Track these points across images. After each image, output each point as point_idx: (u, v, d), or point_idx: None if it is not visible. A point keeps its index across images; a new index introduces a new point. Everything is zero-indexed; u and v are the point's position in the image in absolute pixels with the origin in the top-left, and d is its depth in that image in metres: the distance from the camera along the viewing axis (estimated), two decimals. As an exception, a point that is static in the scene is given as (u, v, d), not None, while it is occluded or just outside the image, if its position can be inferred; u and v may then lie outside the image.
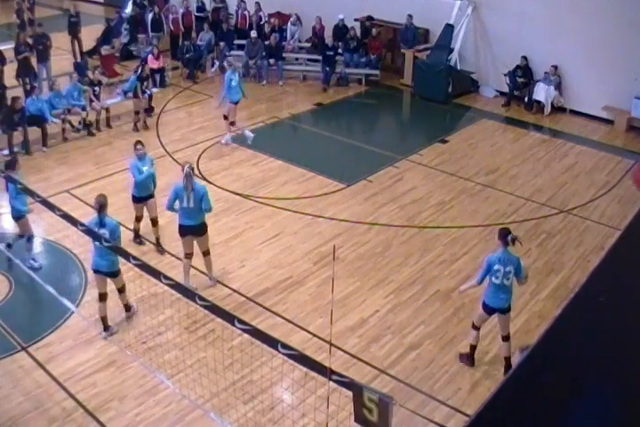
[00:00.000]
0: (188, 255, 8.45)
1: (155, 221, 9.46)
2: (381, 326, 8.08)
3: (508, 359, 7.19)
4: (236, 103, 12.96)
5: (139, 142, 9.26)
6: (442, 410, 6.82)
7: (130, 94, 13.93)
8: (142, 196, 9.23)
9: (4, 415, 6.61)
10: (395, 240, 9.89)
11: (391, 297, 8.61)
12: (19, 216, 8.74)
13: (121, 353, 7.40)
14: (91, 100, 13.46)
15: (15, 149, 12.30)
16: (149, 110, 14.38)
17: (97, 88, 13.60)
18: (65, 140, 13.05)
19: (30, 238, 8.97)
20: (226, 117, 13.12)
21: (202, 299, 5.29)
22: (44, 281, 8.04)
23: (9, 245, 9.03)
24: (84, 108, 13.27)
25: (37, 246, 9.69)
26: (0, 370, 7.22)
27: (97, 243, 7.04)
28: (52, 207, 7.16)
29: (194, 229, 8.27)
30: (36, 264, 8.87)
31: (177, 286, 5.63)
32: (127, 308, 8.08)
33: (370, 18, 16.92)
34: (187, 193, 8.01)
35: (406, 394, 6.97)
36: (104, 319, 7.80)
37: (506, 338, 7.20)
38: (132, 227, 9.95)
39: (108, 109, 13.70)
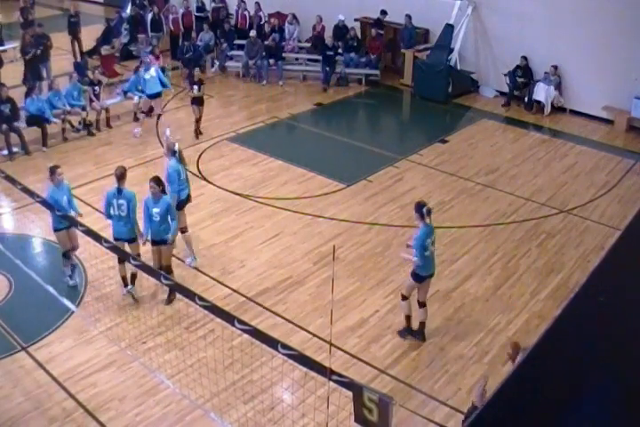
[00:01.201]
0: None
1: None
2: (381, 326, 8.08)
3: (422, 324, 7.81)
4: (154, 96, 13.31)
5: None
6: (442, 410, 6.82)
7: (132, 95, 13.93)
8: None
9: (4, 415, 6.61)
10: (395, 240, 9.89)
11: (391, 297, 8.60)
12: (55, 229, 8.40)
13: (121, 353, 7.40)
14: (91, 100, 13.46)
15: (15, 150, 12.31)
16: (149, 110, 14.37)
17: (97, 88, 13.60)
18: (65, 140, 13.05)
19: (66, 254, 8.59)
20: (143, 112, 13.60)
21: (202, 299, 5.29)
22: (43, 281, 8.03)
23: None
24: (84, 108, 13.27)
25: (37, 246, 9.72)
26: (0, 370, 7.22)
27: (118, 213, 7.99)
28: (51, 208, 7.17)
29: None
30: (71, 282, 8.59)
31: (177, 286, 5.63)
32: (133, 278, 8.37)
33: (378, 21, 16.73)
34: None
35: (406, 394, 6.97)
36: (124, 279, 8.32)
37: (423, 304, 7.77)
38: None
39: (107, 109, 13.70)
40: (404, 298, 7.75)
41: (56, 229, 8.31)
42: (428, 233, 7.39)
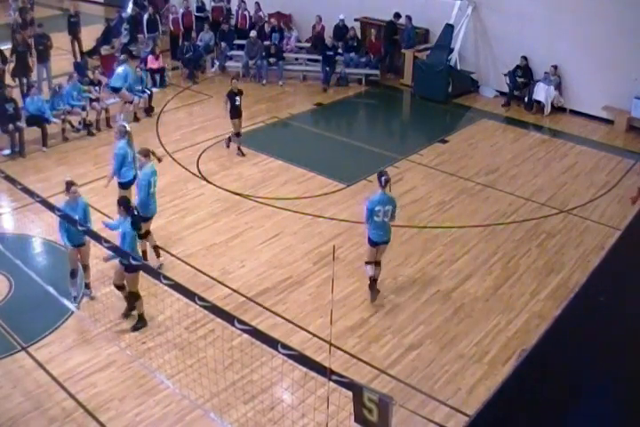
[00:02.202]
0: None
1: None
2: (381, 326, 8.08)
3: (375, 281, 8.45)
4: (115, 90, 13.84)
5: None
6: (442, 410, 6.82)
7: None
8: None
9: (4, 415, 6.61)
10: (395, 240, 9.86)
11: (391, 297, 8.61)
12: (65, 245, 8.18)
13: (121, 353, 7.40)
14: (91, 100, 13.46)
15: (16, 149, 12.32)
16: (149, 110, 14.39)
17: (97, 88, 13.59)
18: (65, 140, 13.05)
19: (73, 273, 8.22)
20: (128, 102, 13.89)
21: (202, 299, 5.28)
22: (43, 281, 8.03)
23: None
24: (84, 108, 13.27)
25: (37, 246, 9.72)
26: (0, 370, 7.22)
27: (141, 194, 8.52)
28: (51, 207, 7.17)
29: None
30: (72, 305, 8.05)
31: (177, 286, 5.62)
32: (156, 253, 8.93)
33: (391, 24, 16.54)
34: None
35: (406, 394, 6.97)
36: (144, 253, 8.87)
37: (377, 263, 8.43)
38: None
39: (107, 109, 13.70)
40: (368, 263, 8.42)
41: (66, 246, 8.06)
42: (379, 201, 8.01)
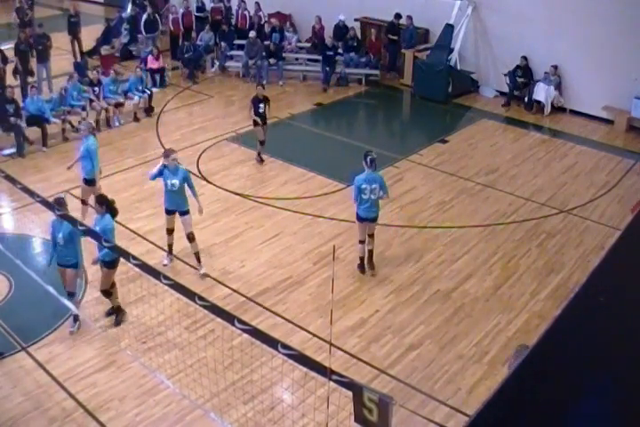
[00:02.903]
0: None
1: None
2: (381, 326, 8.08)
3: (371, 252, 8.98)
4: None
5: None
6: (442, 410, 6.81)
7: (132, 95, 13.96)
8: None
9: (4, 415, 6.61)
10: (395, 240, 9.89)
11: (391, 297, 8.61)
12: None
13: (121, 353, 7.40)
14: (91, 100, 13.45)
15: (13, 150, 12.32)
16: (149, 110, 14.39)
17: (97, 88, 13.60)
18: (65, 141, 13.04)
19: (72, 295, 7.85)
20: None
21: (202, 299, 5.28)
22: (43, 281, 8.03)
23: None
24: (84, 108, 13.27)
25: (37, 246, 9.71)
26: (0, 370, 7.22)
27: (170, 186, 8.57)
28: (51, 207, 7.16)
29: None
30: (70, 329, 7.87)
31: (177, 286, 5.62)
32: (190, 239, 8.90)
33: (392, 25, 16.54)
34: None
35: (406, 394, 6.97)
36: (170, 247, 9.10)
37: (370, 236, 8.89)
38: (130, 226, 9.99)
39: (107, 109, 13.70)
40: (360, 242, 8.91)
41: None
42: (366, 179, 8.55)
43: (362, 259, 9.02)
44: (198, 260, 8.99)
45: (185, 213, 8.82)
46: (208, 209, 10.60)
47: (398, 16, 16.30)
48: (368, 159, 8.56)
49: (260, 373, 6.77)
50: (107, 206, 7.67)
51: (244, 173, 11.89)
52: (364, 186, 8.54)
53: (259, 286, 8.76)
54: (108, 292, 7.93)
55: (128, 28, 17.86)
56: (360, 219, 8.77)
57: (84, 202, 9.90)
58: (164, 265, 9.00)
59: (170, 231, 9.04)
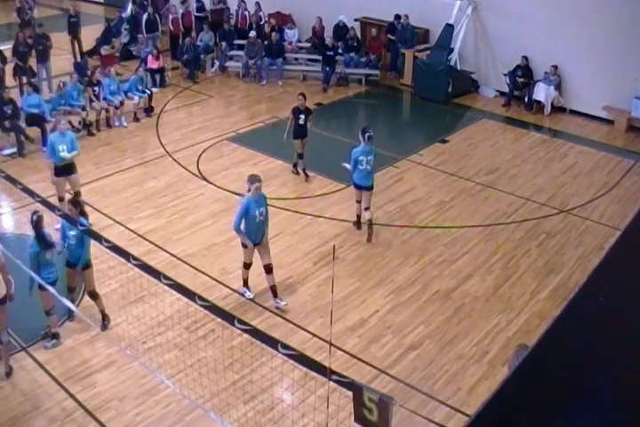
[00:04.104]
0: None
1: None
2: (381, 326, 8.08)
3: (370, 221, 9.60)
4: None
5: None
6: (442, 410, 6.81)
7: (132, 95, 13.97)
8: None
9: (4, 415, 6.61)
10: (395, 240, 9.89)
11: (391, 297, 8.61)
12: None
13: (121, 353, 7.40)
14: (91, 100, 13.46)
15: (14, 150, 12.31)
16: (149, 110, 14.39)
17: (97, 88, 13.60)
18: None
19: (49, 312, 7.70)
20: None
21: (202, 299, 5.28)
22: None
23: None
24: (84, 108, 13.27)
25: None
26: (0, 370, 7.21)
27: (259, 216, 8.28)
28: (51, 207, 7.16)
29: None
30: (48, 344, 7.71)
31: (177, 286, 5.62)
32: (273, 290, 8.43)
33: (392, 26, 16.57)
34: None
35: (406, 394, 6.97)
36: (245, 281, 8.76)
37: (367, 208, 9.54)
38: (130, 226, 9.98)
39: (107, 109, 13.70)
40: (357, 202, 9.70)
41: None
42: (362, 151, 9.31)
43: (358, 216, 9.85)
44: (275, 294, 8.30)
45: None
46: (208, 209, 10.64)
47: (398, 17, 16.33)
48: (366, 135, 9.26)
49: (260, 373, 6.77)
50: (78, 209, 7.59)
51: (244, 173, 11.84)
52: (361, 157, 9.28)
53: (259, 286, 8.75)
54: (96, 293, 7.92)
55: (128, 28, 17.87)
56: (357, 186, 9.57)
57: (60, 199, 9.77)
58: (249, 298, 8.48)
59: (248, 266, 8.32)
